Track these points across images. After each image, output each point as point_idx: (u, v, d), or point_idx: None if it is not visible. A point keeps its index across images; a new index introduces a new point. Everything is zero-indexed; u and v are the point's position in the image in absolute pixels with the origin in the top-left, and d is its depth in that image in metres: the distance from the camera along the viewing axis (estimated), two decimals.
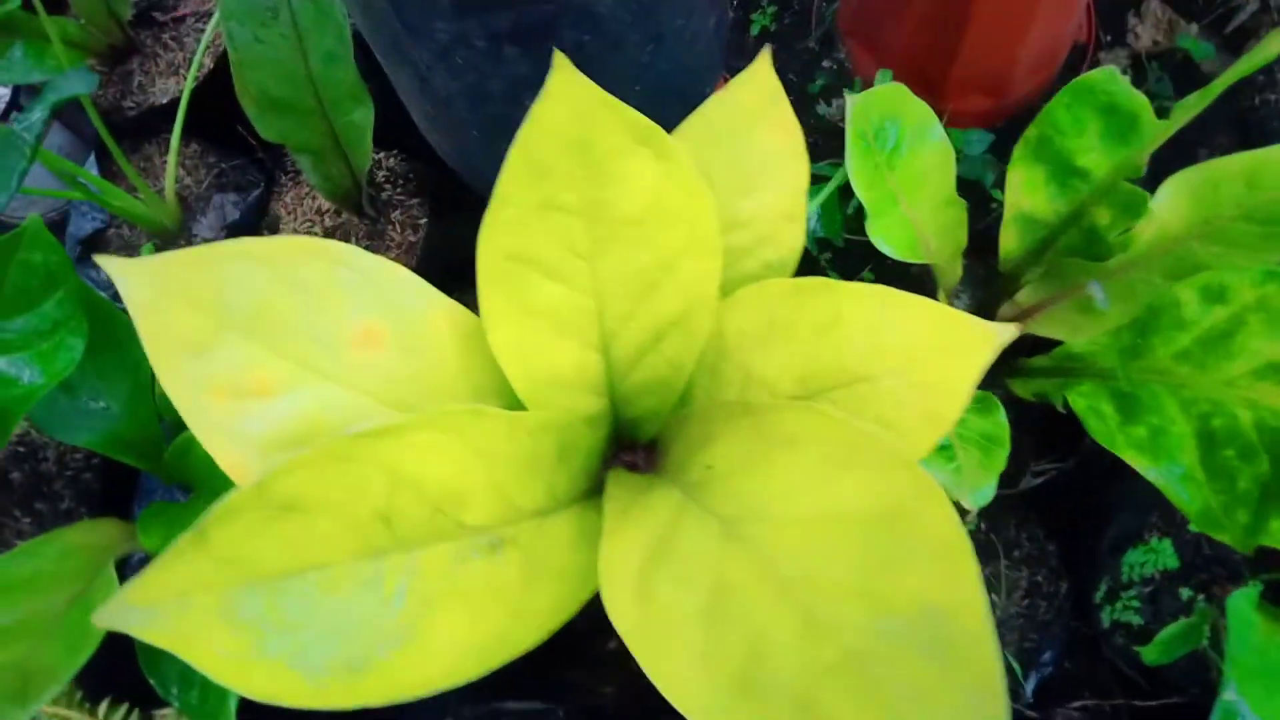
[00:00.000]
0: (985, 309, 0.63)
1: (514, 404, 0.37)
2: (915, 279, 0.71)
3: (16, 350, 0.51)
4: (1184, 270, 0.49)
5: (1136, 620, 0.64)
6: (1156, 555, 0.64)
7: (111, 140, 0.65)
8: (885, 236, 0.49)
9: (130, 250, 0.75)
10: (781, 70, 0.95)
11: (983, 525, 0.68)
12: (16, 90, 0.79)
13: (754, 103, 0.35)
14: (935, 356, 0.31)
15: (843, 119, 0.90)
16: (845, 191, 0.80)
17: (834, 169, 0.78)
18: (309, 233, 0.72)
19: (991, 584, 0.67)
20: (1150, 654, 0.53)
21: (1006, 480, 0.51)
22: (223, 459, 0.28)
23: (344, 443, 0.28)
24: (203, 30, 0.79)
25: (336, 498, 0.29)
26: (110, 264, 0.26)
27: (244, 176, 0.77)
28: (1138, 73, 0.88)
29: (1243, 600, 0.49)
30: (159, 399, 0.58)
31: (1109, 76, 0.46)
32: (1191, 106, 0.43)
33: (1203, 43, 0.86)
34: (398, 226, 0.71)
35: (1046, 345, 0.55)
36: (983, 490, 0.51)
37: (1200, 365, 0.45)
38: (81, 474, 0.67)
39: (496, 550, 0.33)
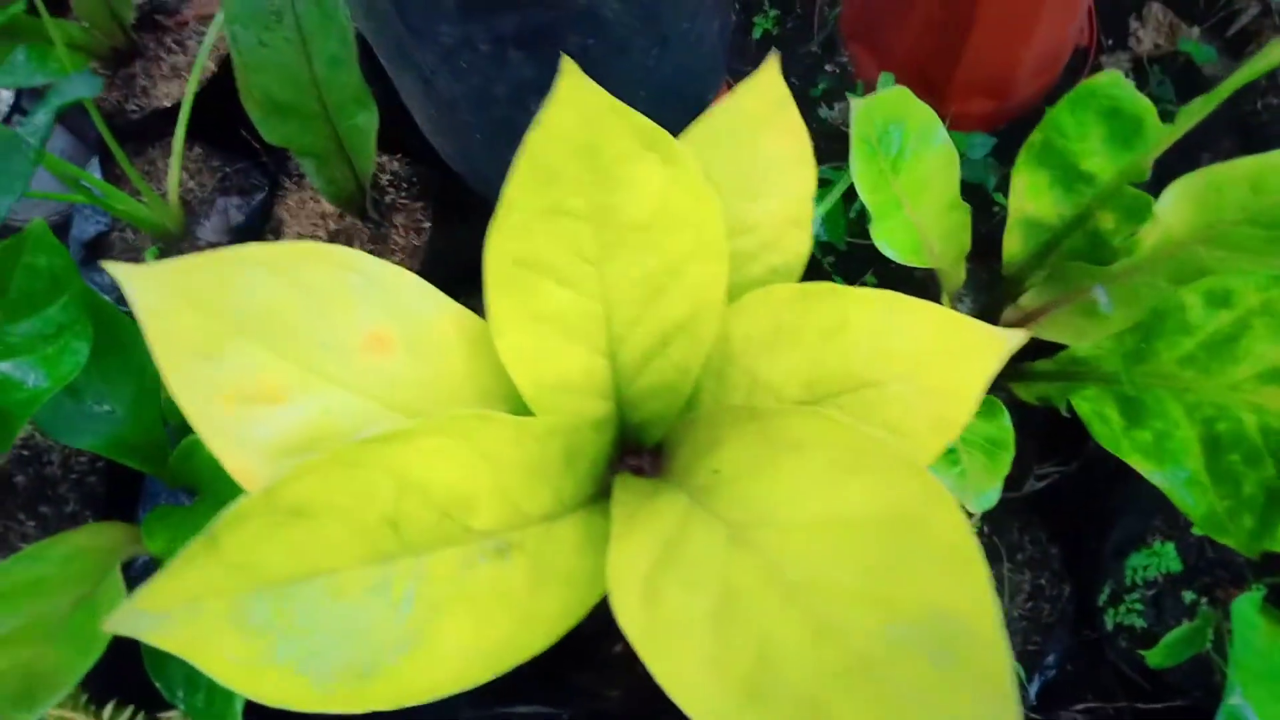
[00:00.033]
0: (988, 313, 0.64)
1: (520, 408, 0.37)
2: (919, 283, 0.72)
3: (21, 354, 0.51)
4: (1188, 274, 0.49)
5: (1140, 623, 0.64)
6: (1159, 558, 0.64)
7: (115, 143, 0.65)
8: (889, 240, 0.49)
9: (133, 253, 0.75)
10: (784, 73, 0.95)
11: (985, 528, 0.68)
12: (19, 94, 0.79)
13: (761, 108, 0.35)
14: (943, 362, 0.31)
15: (845, 122, 0.90)
16: (848, 195, 0.80)
17: (836, 172, 0.78)
18: (312, 236, 0.72)
19: (994, 587, 0.67)
20: (1155, 658, 0.53)
21: (1010, 483, 0.51)
22: (231, 464, 0.28)
23: (352, 448, 0.28)
24: (205, 33, 0.79)
25: (345, 503, 0.29)
26: (118, 270, 0.26)
27: (247, 180, 0.77)
28: (1139, 76, 0.89)
29: (1247, 604, 0.49)
30: (164, 403, 0.58)
31: (1113, 81, 0.46)
32: (1196, 111, 0.43)
33: (1204, 46, 0.86)
34: (401, 230, 0.71)
35: (1049, 349, 0.55)
36: (987, 494, 0.51)
37: (1205, 369, 0.45)
38: (86, 477, 0.67)
39: (504, 555, 0.33)
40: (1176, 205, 0.49)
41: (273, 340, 0.30)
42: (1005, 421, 0.51)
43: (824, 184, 0.72)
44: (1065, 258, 0.55)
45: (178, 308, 0.27)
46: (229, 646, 0.26)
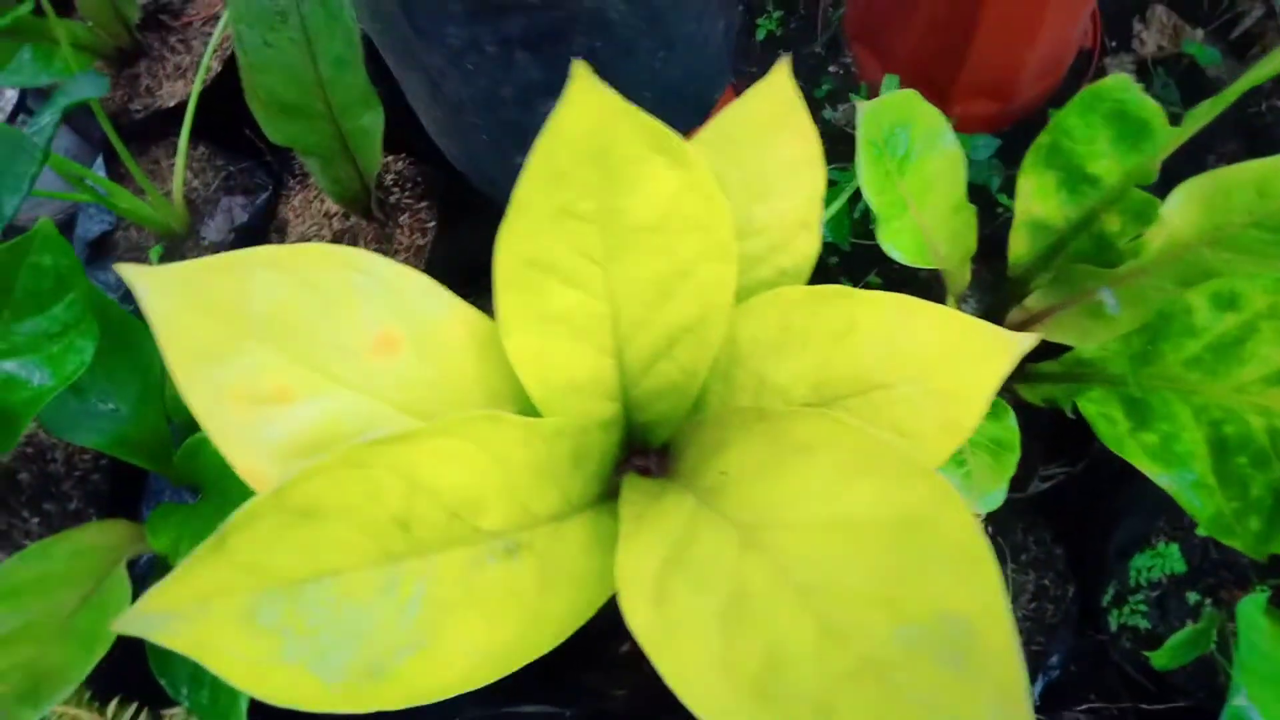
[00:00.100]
0: (993, 314, 0.64)
1: (528, 409, 0.37)
2: (923, 284, 0.72)
3: (26, 353, 0.51)
4: (1194, 277, 0.49)
5: (1144, 624, 0.64)
6: (1164, 559, 0.64)
7: (120, 143, 0.65)
8: (895, 242, 0.49)
9: (138, 252, 0.75)
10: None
11: (990, 529, 0.68)
12: (23, 93, 0.79)
13: (772, 110, 0.35)
14: (953, 364, 0.31)
15: (849, 123, 0.90)
16: (852, 195, 0.80)
17: (841, 173, 0.78)
18: (317, 235, 0.72)
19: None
20: (1160, 659, 0.53)
21: (1014, 484, 0.51)
22: (241, 465, 0.28)
23: (362, 449, 0.28)
24: (210, 33, 0.79)
25: (354, 504, 0.29)
26: (129, 272, 0.26)
27: (251, 179, 0.77)
28: (1143, 78, 0.88)
29: (1252, 606, 0.49)
30: (168, 401, 0.58)
31: (1121, 84, 0.46)
32: (1203, 114, 0.43)
33: (1208, 48, 0.86)
34: (406, 230, 0.71)
35: (1055, 350, 0.55)
36: (993, 495, 0.51)
37: (1211, 372, 0.45)
38: (90, 475, 0.67)
39: (512, 555, 0.33)
40: (1183, 208, 0.49)
41: (282, 341, 0.30)
42: (1011, 423, 0.51)
43: (829, 185, 0.72)
44: (1071, 260, 0.55)
45: (188, 310, 0.27)
46: (238, 647, 0.26)
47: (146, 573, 0.63)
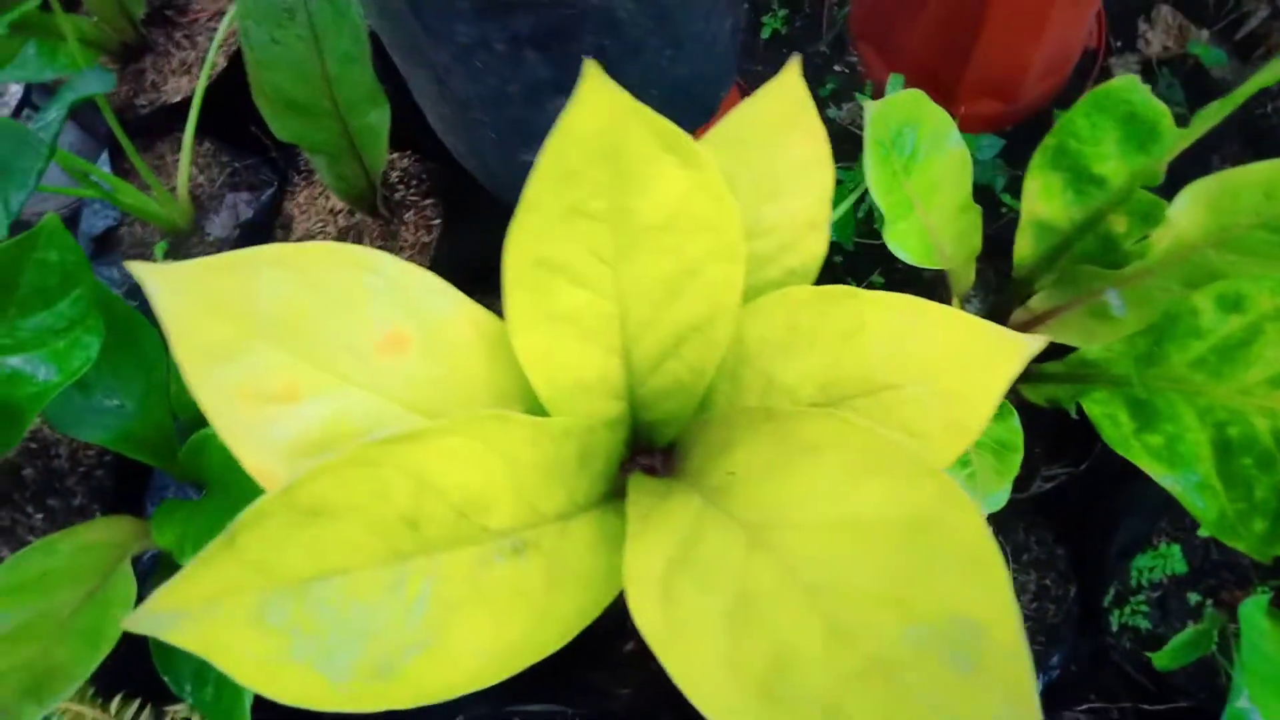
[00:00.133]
0: (997, 314, 0.64)
1: (535, 407, 0.37)
2: (927, 283, 0.72)
3: (32, 348, 0.51)
4: (1200, 278, 0.49)
5: (1145, 625, 0.64)
6: (1165, 560, 0.65)
7: (125, 138, 0.65)
8: (902, 243, 0.49)
9: (142, 248, 0.75)
10: None
11: (991, 529, 0.69)
12: (28, 88, 0.79)
13: (782, 110, 0.35)
14: (961, 366, 0.31)
15: (853, 122, 0.90)
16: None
17: (845, 172, 0.78)
18: (322, 232, 0.72)
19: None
20: (1161, 660, 0.53)
21: (1017, 484, 0.52)
22: (250, 464, 0.28)
23: (371, 448, 0.28)
24: (215, 29, 0.79)
25: (363, 502, 0.29)
26: (139, 270, 0.26)
27: (257, 175, 0.77)
28: (1148, 78, 0.88)
29: (1254, 608, 0.49)
30: (173, 397, 0.59)
31: (1130, 85, 0.46)
32: (1211, 116, 0.43)
33: (1213, 49, 0.86)
34: (411, 227, 0.71)
35: (1058, 351, 0.55)
36: (996, 495, 0.51)
37: (1216, 373, 0.45)
38: (94, 471, 0.67)
39: (519, 554, 0.33)
40: (1190, 209, 0.49)
41: (291, 340, 0.30)
42: (1015, 423, 0.52)
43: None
44: (1076, 261, 0.55)
45: (198, 308, 0.27)
46: (247, 645, 0.26)
47: (150, 569, 0.63)
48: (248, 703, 0.47)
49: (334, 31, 0.56)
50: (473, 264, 0.77)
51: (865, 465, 0.30)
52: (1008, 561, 0.68)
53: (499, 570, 0.33)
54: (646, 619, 0.29)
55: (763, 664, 0.28)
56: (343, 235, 0.72)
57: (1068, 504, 0.67)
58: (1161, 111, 0.47)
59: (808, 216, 0.36)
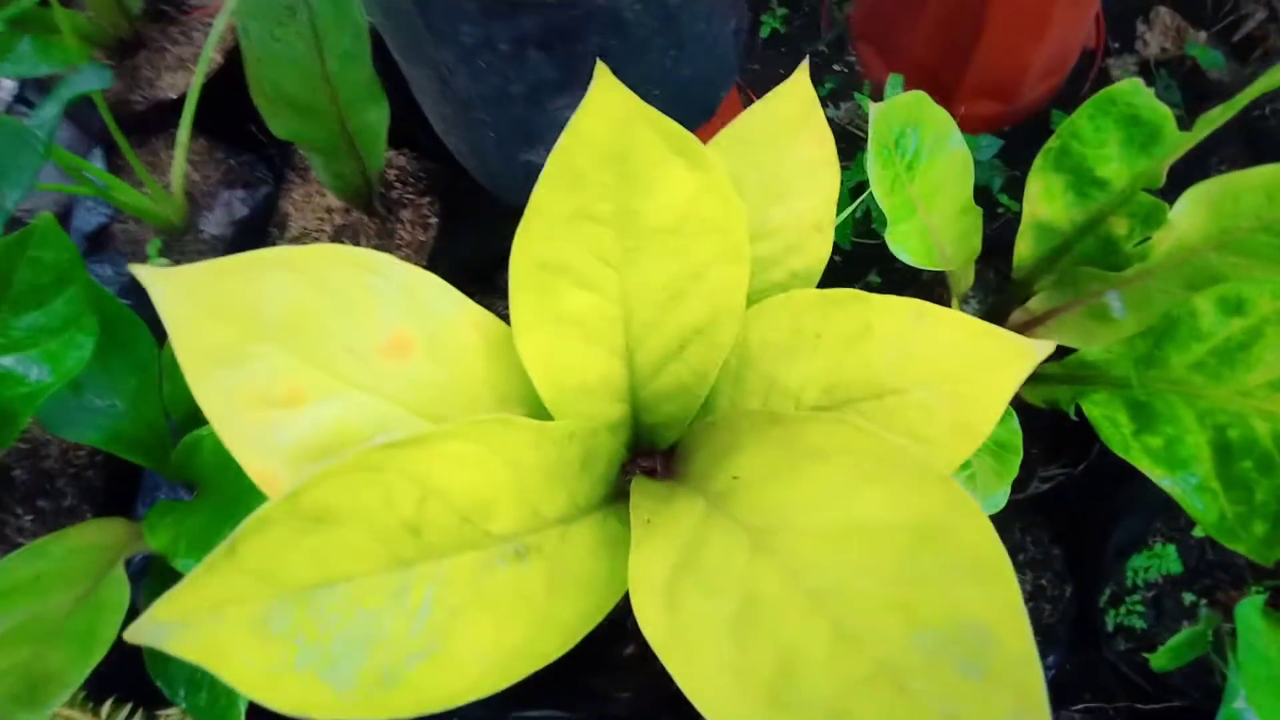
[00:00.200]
0: (996, 315, 0.64)
1: (537, 409, 0.37)
2: (925, 284, 0.72)
3: (25, 348, 0.50)
4: (1201, 281, 0.49)
5: (1140, 624, 0.64)
6: (1160, 560, 0.65)
7: (120, 135, 0.64)
8: (903, 244, 0.49)
9: (136, 246, 0.75)
10: (790, 73, 0.94)
11: None
12: (21, 84, 0.78)
13: (790, 112, 0.35)
14: (968, 370, 0.31)
15: (851, 122, 0.90)
16: (853, 194, 0.80)
17: (842, 172, 0.78)
18: (318, 230, 0.72)
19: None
20: (1158, 660, 0.54)
21: (1014, 485, 0.52)
22: (253, 469, 0.28)
23: (374, 453, 0.28)
24: (211, 25, 0.78)
25: (366, 508, 0.28)
26: (144, 274, 0.25)
27: (252, 173, 0.76)
28: (1146, 79, 0.88)
29: (1250, 609, 0.49)
30: (165, 397, 0.58)
31: (1133, 88, 0.46)
32: (1213, 119, 0.43)
33: (1211, 50, 0.86)
34: (408, 226, 0.71)
35: (1058, 352, 0.55)
36: (995, 497, 0.51)
37: (1216, 376, 0.45)
38: (84, 471, 0.66)
39: (522, 559, 0.33)
40: (1191, 212, 0.49)
41: (295, 343, 0.29)
42: (1014, 425, 0.52)
43: None
44: (1076, 262, 0.55)
45: (201, 312, 0.27)
46: (250, 655, 0.25)
47: (141, 571, 0.62)
48: (242, 707, 0.46)
49: (335, 29, 0.55)
50: (471, 264, 0.77)
51: (871, 470, 0.30)
52: None
53: (502, 575, 0.32)
54: (652, 625, 0.29)
55: (769, 670, 0.27)
56: (339, 234, 0.72)
57: (1065, 504, 0.68)
58: (1164, 114, 0.47)
59: (813, 218, 0.36)
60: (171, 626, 0.24)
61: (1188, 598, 0.64)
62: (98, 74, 0.49)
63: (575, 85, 0.49)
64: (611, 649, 0.54)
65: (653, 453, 0.44)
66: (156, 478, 0.70)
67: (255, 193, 0.75)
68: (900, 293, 0.48)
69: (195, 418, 0.57)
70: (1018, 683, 0.24)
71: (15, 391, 0.49)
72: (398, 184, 0.73)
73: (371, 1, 0.48)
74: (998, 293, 0.69)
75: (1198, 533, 0.64)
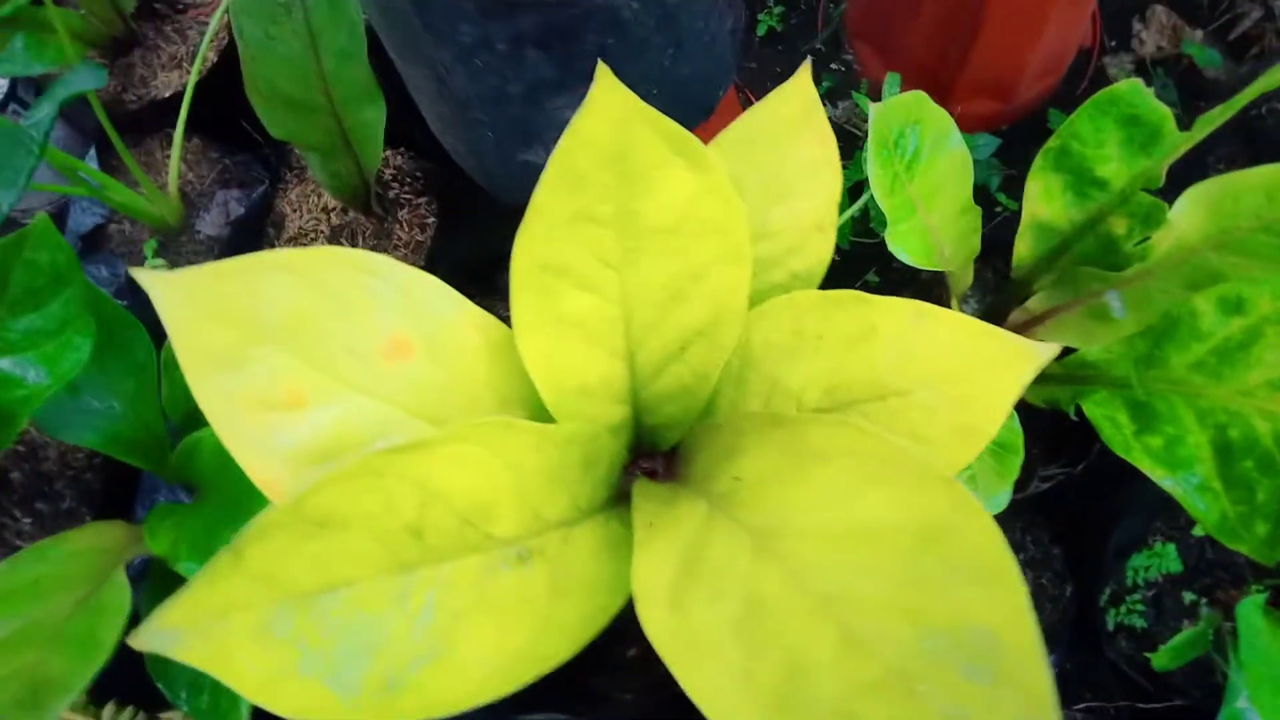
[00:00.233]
0: (994, 314, 0.64)
1: (538, 411, 0.37)
2: (924, 283, 0.72)
3: (22, 350, 0.50)
4: (1201, 280, 0.49)
5: (1140, 624, 0.64)
6: (1160, 559, 0.65)
7: (115, 135, 0.63)
8: (904, 244, 0.49)
9: (131, 246, 0.74)
10: (787, 71, 0.94)
11: None
12: (14, 82, 0.77)
13: (792, 113, 0.35)
14: (972, 373, 0.31)
15: (848, 120, 0.90)
16: (851, 193, 0.80)
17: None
18: (314, 230, 0.71)
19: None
20: (1159, 660, 0.54)
21: (1014, 485, 0.52)
22: (255, 473, 0.28)
23: (377, 457, 0.28)
24: (206, 23, 0.78)
25: (369, 512, 0.28)
26: (144, 278, 0.25)
27: (248, 172, 0.76)
28: (1142, 78, 0.89)
29: (1251, 608, 0.50)
30: (164, 398, 0.58)
31: (1133, 89, 0.46)
32: (1213, 119, 0.43)
33: (1207, 49, 0.86)
34: (405, 225, 0.71)
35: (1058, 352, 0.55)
36: (997, 497, 0.51)
37: (1216, 375, 0.45)
38: (83, 474, 0.66)
39: (524, 562, 0.33)
40: (1190, 211, 0.49)
41: (295, 346, 0.29)
42: (1015, 425, 0.52)
43: None
44: (1075, 262, 0.55)
45: (202, 315, 0.27)
46: (253, 661, 0.25)
47: (141, 574, 0.62)
48: (245, 710, 0.46)
49: (330, 27, 0.55)
50: (469, 264, 0.76)
51: (875, 472, 0.30)
52: None
53: (504, 579, 0.32)
54: (657, 629, 0.29)
55: (776, 674, 0.27)
56: (336, 233, 0.71)
57: (1065, 504, 0.68)
58: (1164, 115, 0.47)
59: (815, 219, 0.36)
60: (176, 633, 0.24)
61: (1188, 597, 0.64)
62: (93, 74, 0.49)
63: (573, 84, 0.49)
64: (613, 651, 0.54)
65: (654, 454, 0.44)
66: (155, 480, 0.70)
67: (251, 192, 0.75)
68: (899, 292, 0.48)
69: (194, 419, 0.56)
70: (1026, 685, 0.24)
71: (12, 394, 0.49)
72: (395, 183, 0.73)
73: (368, 0, 0.48)
74: (996, 292, 0.69)
75: (1198, 532, 0.65)
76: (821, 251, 0.37)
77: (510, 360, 0.35)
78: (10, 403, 0.49)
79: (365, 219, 0.72)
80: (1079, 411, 0.49)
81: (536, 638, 0.32)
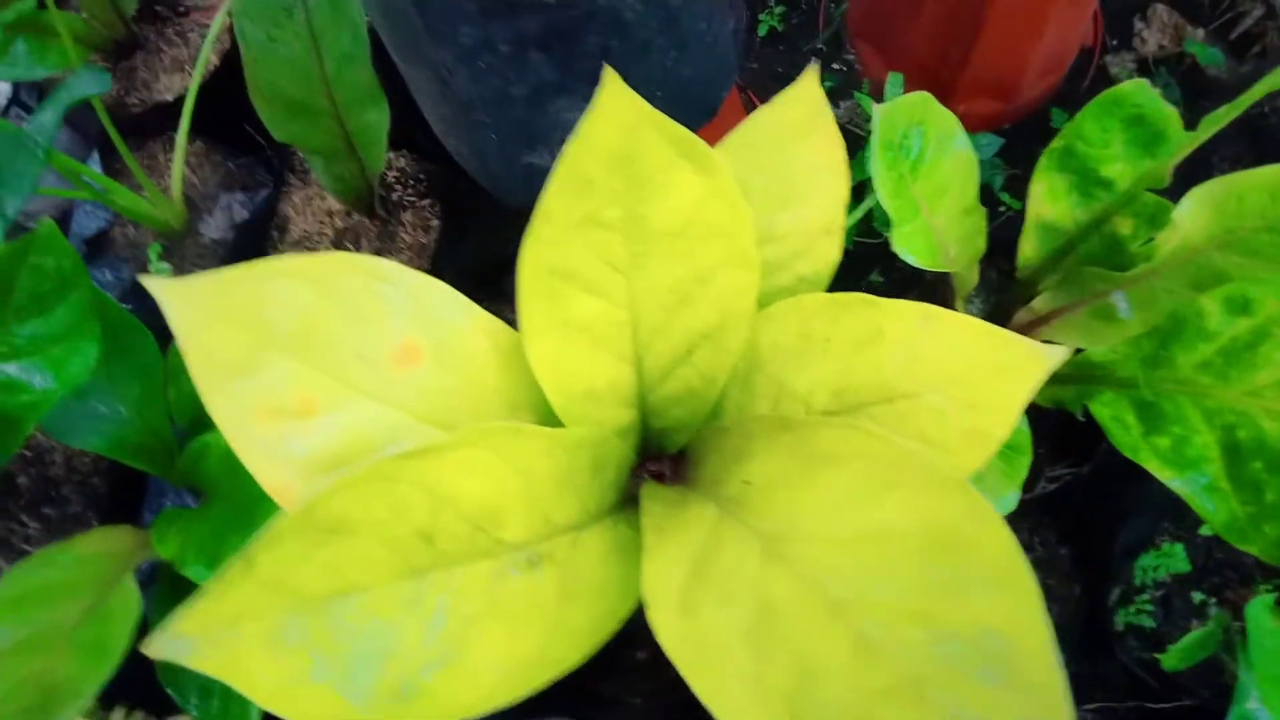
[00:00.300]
0: (999, 314, 0.64)
1: (546, 415, 0.37)
2: (929, 284, 0.72)
3: (28, 356, 0.50)
4: (1206, 280, 0.49)
5: (1149, 624, 0.64)
6: (1169, 559, 0.65)
7: (119, 139, 0.63)
8: (909, 246, 0.49)
9: (135, 250, 0.74)
10: (788, 71, 0.94)
11: None
12: (16, 86, 0.77)
13: (798, 117, 0.35)
14: (981, 376, 0.31)
15: (850, 121, 0.90)
16: (853, 193, 0.80)
17: None
18: (319, 234, 0.71)
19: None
20: (1169, 660, 0.54)
21: (1022, 485, 0.51)
22: (266, 480, 0.28)
23: (388, 463, 0.28)
24: (207, 26, 0.78)
25: (380, 518, 0.28)
26: (154, 285, 0.25)
27: (252, 176, 0.76)
28: (1144, 77, 0.88)
29: (1260, 608, 0.49)
30: (170, 402, 0.58)
31: (1139, 89, 0.46)
32: (1218, 119, 0.43)
33: (1209, 48, 0.86)
34: (409, 228, 0.71)
35: None
36: (1005, 499, 0.51)
37: (1223, 376, 0.45)
38: (89, 478, 0.66)
39: (534, 567, 0.33)
40: (1195, 211, 0.49)
41: (305, 353, 0.29)
42: (1023, 426, 0.51)
43: None
44: (1080, 262, 0.55)
45: (212, 322, 0.27)
46: (266, 668, 0.25)
47: (148, 579, 0.62)
48: (255, 715, 0.46)
49: (333, 30, 0.55)
50: (473, 266, 0.76)
51: (885, 476, 0.30)
52: None
53: (514, 584, 0.32)
54: (668, 634, 0.29)
55: (787, 679, 0.27)
56: (340, 236, 0.71)
57: (1072, 504, 0.68)
58: (1169, 115, 0.47)
59: (822, 222, 0.36)
60: (189, 641, 0.24)
61: (1196, 596, 0.64)
62: (96, 78, 0.49)
63: (576, 86, 0.49)
64: (622, 654, 0.54)
65: (661, 457, 0.44)
66: (162, 484, 0.70)
67: (255, 196, 0.75)
68: (903, 293, 0.48)
69: (200, 423, 0.56)
70: (1040, 690, 0.24)
71: (19, 399, 0.49)
72: (398, 186, 0.73)
73: (370, 2, 0.48)
74: (1001, 292, 0.69)
75: (1205, 532, 0.64)
76: (829, 255, 0.37)
77: (518, 365, 0.35)
78: (17, 408, 0.49)
79: (369, 222, 0.72)
80: (1085, 411, 0.49)
81: (547, 642, 0.32)
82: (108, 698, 0.58)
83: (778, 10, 0.93)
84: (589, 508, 0.37)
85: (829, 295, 0.36)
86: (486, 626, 0.31)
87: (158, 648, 0.23)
